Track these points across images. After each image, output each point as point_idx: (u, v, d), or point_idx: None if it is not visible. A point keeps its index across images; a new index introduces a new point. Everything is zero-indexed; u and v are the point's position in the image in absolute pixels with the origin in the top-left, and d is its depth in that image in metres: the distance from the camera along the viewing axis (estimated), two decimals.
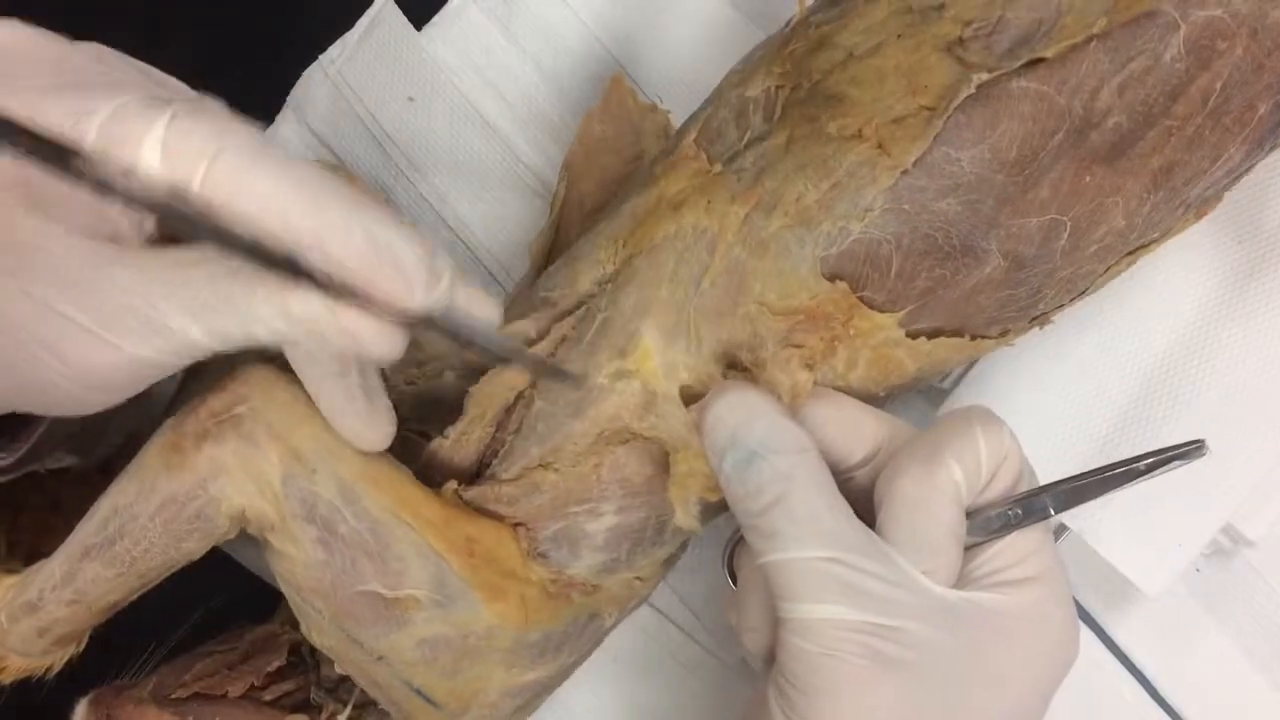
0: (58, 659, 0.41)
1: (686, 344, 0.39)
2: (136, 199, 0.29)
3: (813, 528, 0.34)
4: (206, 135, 0.30)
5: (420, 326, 0.33)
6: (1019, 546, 0.36)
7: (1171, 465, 0.35)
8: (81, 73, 0.33)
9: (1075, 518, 0.46)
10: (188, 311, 0.32)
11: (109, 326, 0.32)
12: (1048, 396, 0.48)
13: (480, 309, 0.35)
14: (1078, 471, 0.37)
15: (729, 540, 0.41)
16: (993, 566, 0.36)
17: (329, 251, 0.30)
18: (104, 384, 0.33)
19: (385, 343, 0.32)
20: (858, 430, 0.38)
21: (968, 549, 0.36)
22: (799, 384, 0.38)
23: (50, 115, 0.30)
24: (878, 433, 0.38)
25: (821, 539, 0.34)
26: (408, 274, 0.31)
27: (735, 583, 0.40)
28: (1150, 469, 0.36)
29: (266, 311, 0.32)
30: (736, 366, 0.39)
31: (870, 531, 0.35)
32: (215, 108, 0.32)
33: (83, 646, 0.41)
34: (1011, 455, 0.36)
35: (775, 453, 0.35)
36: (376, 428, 0.38)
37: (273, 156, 0.31)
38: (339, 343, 0.32)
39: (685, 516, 0.40)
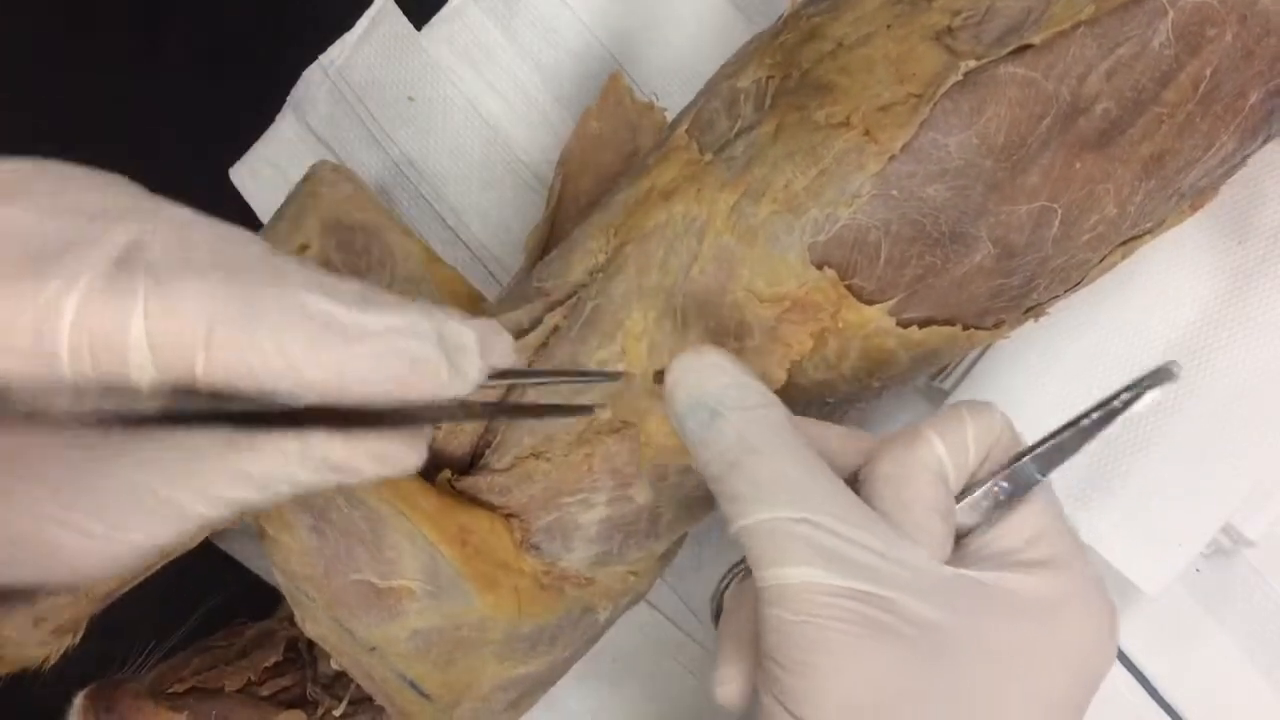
0: (54, 649, 0.41)
1: (673, 329, 0.39)
2: (129, 412, 0.26)
3: (776, 487, 0.32)
4: (192, 315, 0.26)
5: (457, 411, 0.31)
6: (1026, 525, 0.34)
7: (1146, 394, 0.33)
8: (41, 233, 0.27)
9: (1075, 517, 0.46)
10: (199, 492, 0.29)
11: (112, 522, 0.29)
12: (1047, 397, 0.48)
13: (496, 347, 0.31)
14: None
15: (720, 581, 0.40)
16: (1001, 547, 0.34)
17: (354, 391, 0.28)
18: (113, 571, 0.31)
19: (415, 454, 0.31)
20: (842, 446, 0.36)
21: (971, 531, 0.35)
22: (771, 378, 0.38)
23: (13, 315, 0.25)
24: (863, 449, 0.36)
25: (788, 499, 0.32)
26: (436, 373, 0.29)
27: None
28: (1127, 404, 0.34)
29: (290, 470, 0.29)
30: None
31: (853, 495, 0.33)
32: (185, 225, 0.27)
33: (79, 637, 0.41)
34: (1004, 438, 0.35)
35: (736, 409, 0.33)
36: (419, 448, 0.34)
37: (269, 305, 0.27)
38: (373, 472, 0.30)
39: (641, 488, 0.39)
